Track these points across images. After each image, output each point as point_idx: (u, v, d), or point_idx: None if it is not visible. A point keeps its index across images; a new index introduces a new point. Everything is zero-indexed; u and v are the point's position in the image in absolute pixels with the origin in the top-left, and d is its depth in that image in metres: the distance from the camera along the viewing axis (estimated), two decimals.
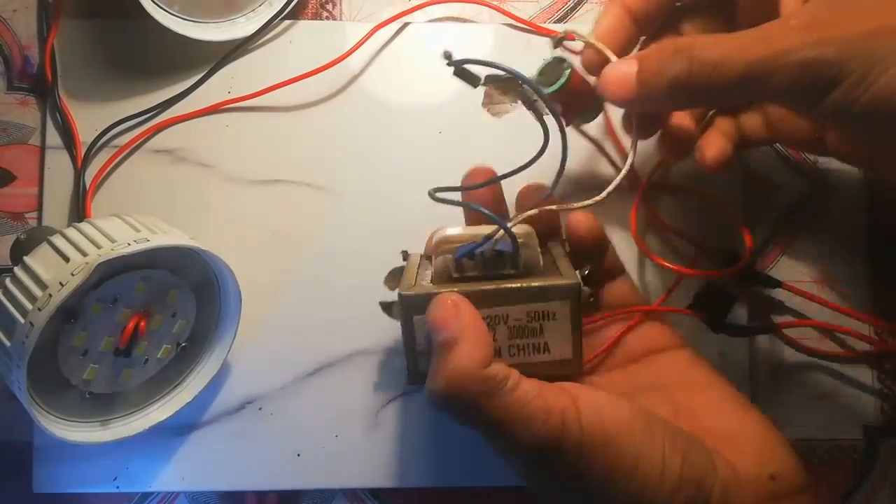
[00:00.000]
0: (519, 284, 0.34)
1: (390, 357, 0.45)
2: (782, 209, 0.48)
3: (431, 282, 0.36)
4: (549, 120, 0.36)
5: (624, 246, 0.46)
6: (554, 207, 0.38)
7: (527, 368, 0.33)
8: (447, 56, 0.35)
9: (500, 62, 0.35)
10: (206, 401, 0.44)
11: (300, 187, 0.46)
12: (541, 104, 0.36)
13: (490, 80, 0.37)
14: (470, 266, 0.35)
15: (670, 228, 0.46)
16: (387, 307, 0.40)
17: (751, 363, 0.46)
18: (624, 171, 0.36)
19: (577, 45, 0.46)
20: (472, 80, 0.36)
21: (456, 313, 0.32)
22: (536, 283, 0.34)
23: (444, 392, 0.31)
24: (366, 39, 0.46)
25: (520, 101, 0.37)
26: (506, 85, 0.37)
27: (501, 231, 0.35)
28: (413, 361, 0.35)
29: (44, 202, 0.45)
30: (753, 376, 0.46)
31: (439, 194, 0.36)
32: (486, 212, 0.35)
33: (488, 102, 0.38)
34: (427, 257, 0.40)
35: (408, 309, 0.34)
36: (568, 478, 0.31)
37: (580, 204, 0.37)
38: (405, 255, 0.40)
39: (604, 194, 0.36)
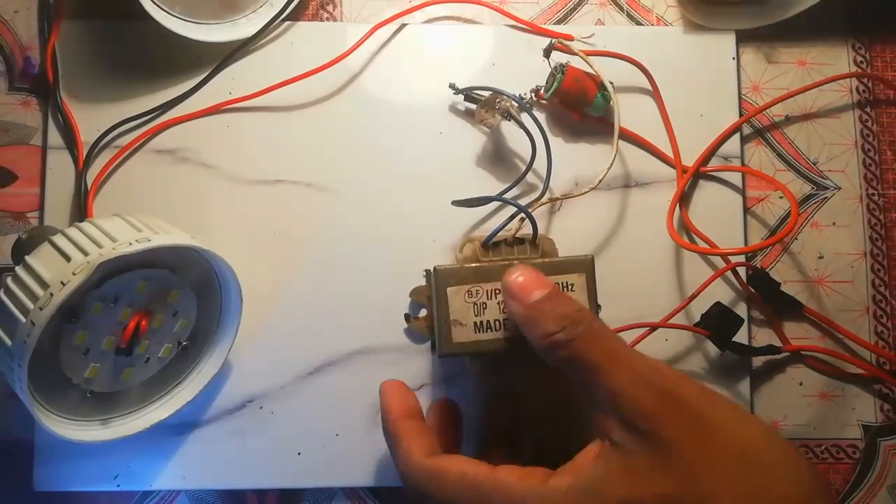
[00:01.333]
0: (540, 260, 0.39)
1: (390, 356, 0.45)
2: (782, 209, 0.48)
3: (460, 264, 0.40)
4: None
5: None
6: (545, 200, 0.43)
7: None
8: (452, 87, 0.46)
9: (496, 86, 0.45)
10: (206, 400, 0.44)
11: (301, 187, 0.46)
12: (517, 115, 0.44)
13: (477, 101, 0.45)
14: (494, 251, 0.41)
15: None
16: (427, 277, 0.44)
17: (751, 362, 0.46)
18: (609, 166, 0.42)
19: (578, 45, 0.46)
20: (478, 101, 0.46)
21: (539, 277, 0.36)
22: (554, 258, 0.39)
23: (559, 332, 0.33)
24: (365, 39, 0.47)
25: (499, 116, 0.45)
26: (488, 103, 0.45)
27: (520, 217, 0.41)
28: (447, 331, 0.38)
29: (45, 202, 0.45)
30: (753, 375, 0.46)
31: (459, 201, 0.42)
32: (509, 200, 0.41)
33: (478, 119, 0.45)
34: None
35: (441, 281, 0.38)
36: None
37: (573, 195, 0.44)
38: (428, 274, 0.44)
39: (594, 185, 0.42)
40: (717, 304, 0.45)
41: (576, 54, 0.44)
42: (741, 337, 0.45)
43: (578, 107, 0.46)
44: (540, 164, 0.45)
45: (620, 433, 0.30)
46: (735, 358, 0.46)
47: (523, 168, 0.46)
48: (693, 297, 0.45)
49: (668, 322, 0.44)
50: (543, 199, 0.43)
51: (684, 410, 0.30)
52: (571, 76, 0.45)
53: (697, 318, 0.45)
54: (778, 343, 0.46)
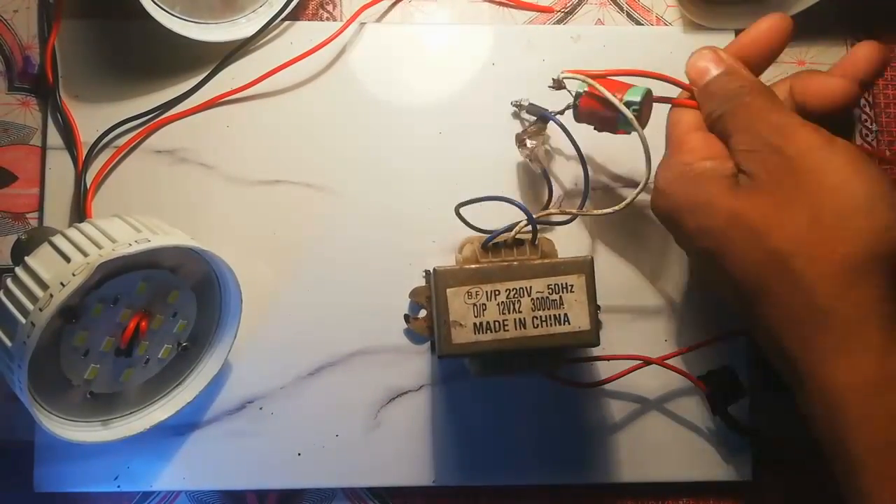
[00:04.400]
0: (539, 260, 0.39)
1: (390, 356, 0.45)
2: None
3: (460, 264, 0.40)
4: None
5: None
6: (574, 211, 0.43)
7: (550, 340, 0.38)
8: (516, 104, 0.46)
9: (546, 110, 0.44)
10: (206, 400, 0.44)
11: (300, 188, 0.46)
12: (543, 161, 0.45)
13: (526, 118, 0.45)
14: (494, 252, 0.40)
15: None
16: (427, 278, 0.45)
17: (750, 362, 0.46)
18: (643, 184, 0.40)
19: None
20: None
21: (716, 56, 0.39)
22: (554, 259, 0.39)
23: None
24: (357, 16, 0.47)
25: (541, 142, 0.44)
26: (538, 128, 0.44)
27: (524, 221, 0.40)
28: (447, 333, 0.38)
29: (45, 202, 0.45)
30: (753, 375, 0.46)
31: (462, 209, 0.42)
32: (514, 201, 0.40)
33: (521, 143, 0.45)
34: None
35: (441, 282, 0.38)
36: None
37: (600, 212, 0.42)
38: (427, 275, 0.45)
39: (623, 205, 0.41)
40: (731, 371, 0.45)
41: (584, 81, 0.41)
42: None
43: (606, 122, 0.41)
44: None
45: (741, 176, 0.37)
46: (735, 357, 0.45)
47: (525, 168, 0.47)
48: (700, 345, 0.45)
49: (668, 363, 0.44)
50: (551, 209, 0.44)
51: (787, 163, 0.35)
52: (585, 106, 0.41)
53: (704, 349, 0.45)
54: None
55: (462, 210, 0.42)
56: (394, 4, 0.48)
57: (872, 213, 0.33)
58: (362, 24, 0.48)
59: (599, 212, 0.42)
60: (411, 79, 0.47)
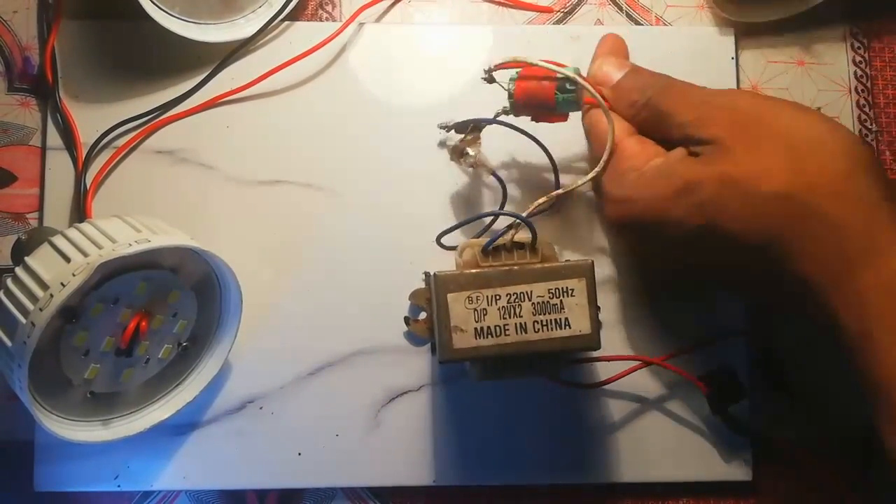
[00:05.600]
0: (539, 265, 0.39)
1: (390, 357, 0.45)
2: None
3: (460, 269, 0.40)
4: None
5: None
6: (554, 194, 0.42)
7: (550, 344, 0.38)
8: (443, 126, 0.45)
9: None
10: (207, 400, 0.44)
11: (301, 188, 0.46)
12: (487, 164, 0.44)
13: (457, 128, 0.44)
14: (494, 256, 0.40)
15: None
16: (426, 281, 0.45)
17: (750, 362, 0.46)
18: (605, 156, 0.40)
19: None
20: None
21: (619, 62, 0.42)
22: (554, 263, 0.39)
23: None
24: (356, 16, 0.47)
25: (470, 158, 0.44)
26: (473, 137, 0.44)
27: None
28: (448, 338, 0.38)
29: (45, 203, 0.45)
30: (753, 375, 0.46)
31: (443, 239, 0.43)
32: (505, 210, 0.41)
33: (462, 154, 0.44)
34: None
35: (441, 287, 0.38)
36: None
37: (575, 185, 0.42)
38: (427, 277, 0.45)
39: (592, 174, 0.41)
40: (731, 371, 0.45)
41: (524, 61, 0.41)
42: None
43: (549, 111, 0.42)
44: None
45: (692, 147, 0.38)
46: (735, 356, 0.45)
47: (525, 169, 0.46)
48: (700, 345, 0.45)
49: (668, 363, 0.44)
50: (535, 206, 0.42)
51: (739, 115, 0.37)
52: (521, 93, 0.41)
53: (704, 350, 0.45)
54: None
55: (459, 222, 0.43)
56: (393, 4, 0.49)
57: (836, 137, 0.36)
58: (361, 24, 0.48)
59: (582, 181, 0.41)
60: (411, 79, 0.47)
